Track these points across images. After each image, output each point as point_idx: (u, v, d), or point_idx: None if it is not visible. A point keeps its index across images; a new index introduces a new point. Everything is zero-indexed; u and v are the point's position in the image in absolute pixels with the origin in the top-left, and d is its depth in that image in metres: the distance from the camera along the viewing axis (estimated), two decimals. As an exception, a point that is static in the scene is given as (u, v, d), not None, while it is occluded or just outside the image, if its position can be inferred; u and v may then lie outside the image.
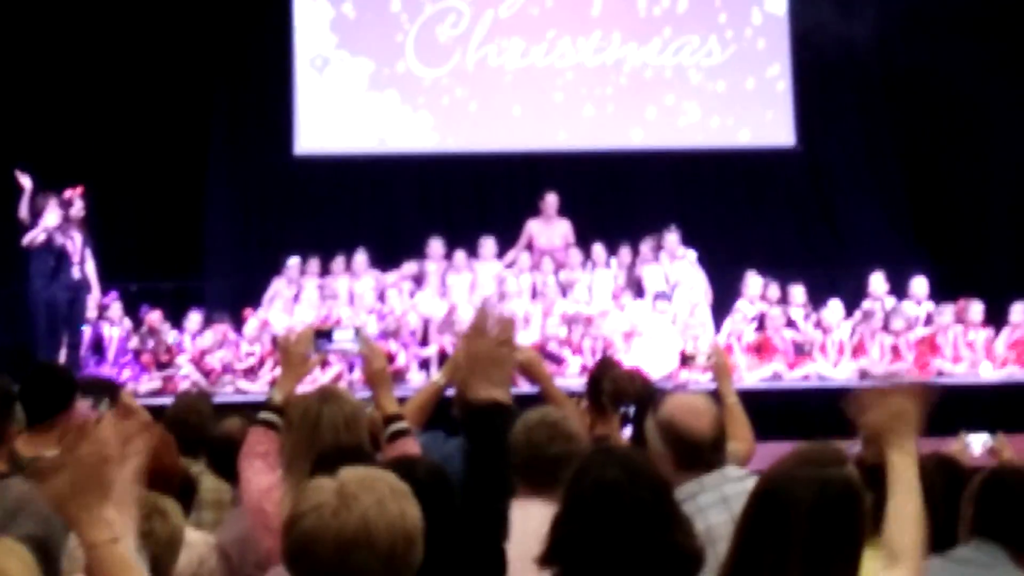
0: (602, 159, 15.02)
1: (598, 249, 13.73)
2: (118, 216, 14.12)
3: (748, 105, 15.12)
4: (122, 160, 14.10)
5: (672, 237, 13.71)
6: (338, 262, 13.46)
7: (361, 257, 13.45)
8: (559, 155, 14.89)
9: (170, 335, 12.63)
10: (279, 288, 13.23)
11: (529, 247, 13.97)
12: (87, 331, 12.40)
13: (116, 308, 12.59)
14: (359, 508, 2.25)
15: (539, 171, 14.76)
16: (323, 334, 4.51)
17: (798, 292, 13.31)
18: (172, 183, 14.31)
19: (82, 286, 12.09)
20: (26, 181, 12.08)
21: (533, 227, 14.03)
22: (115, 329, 12.55)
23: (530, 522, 3.10)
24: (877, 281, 13.34)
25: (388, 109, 14.90)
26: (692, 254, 13.78)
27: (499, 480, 2.99)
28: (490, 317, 3.21)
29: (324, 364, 11.44)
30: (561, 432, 3.92)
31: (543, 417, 3.94)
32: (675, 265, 13.69)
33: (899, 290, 13.47)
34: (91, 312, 12.40)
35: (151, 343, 12.48)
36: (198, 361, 12.39)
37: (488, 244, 13.74)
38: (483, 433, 3.01)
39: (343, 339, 4.54)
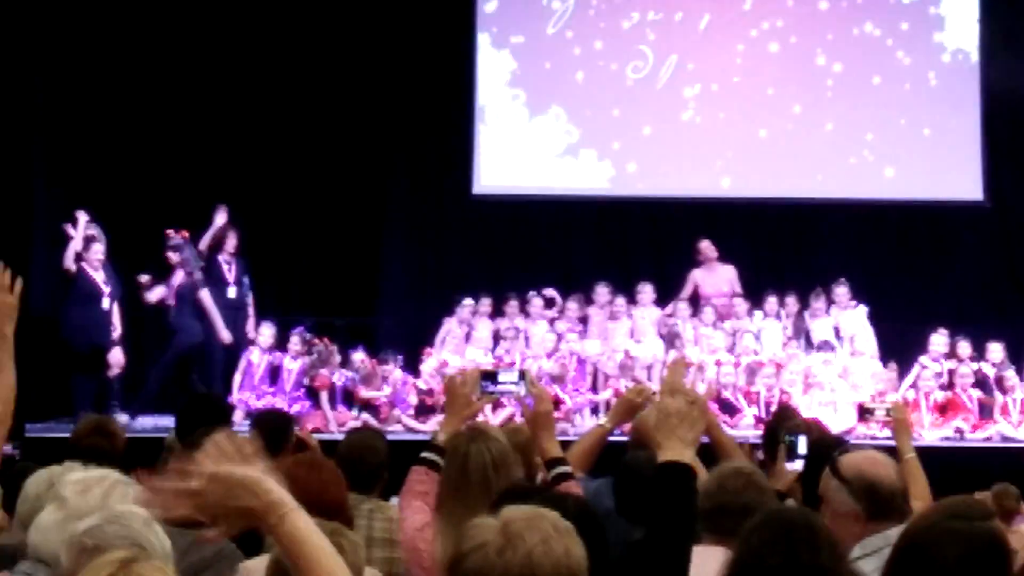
0: (779, 208, 14.83)
1: (771, 301, 13.53)
2: (298, 253, 14.44)
3: (934, 156, 14.74)
4: (304, 198, 14.38)
5: (842, 290, 13.47)
6: (512, 304, 13.51)
7: (537, 301, 13.50)
8: (735, 202, 14.74)
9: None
10: (451, 328, 13.28)
11: (694, 297, 13.82)
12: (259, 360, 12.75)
13: (296, 341, 12.80)
14: (524, 547, 2.22)
15: (716, 218, 14.60)
16: (489, 375, 4.51)
17: (996, 350, 12.90)
18: (352, 221, 14.52)
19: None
20: (220, 218, 12.97)
21: (697, 276, 13.88)
22: (295, 362, 12.77)
23: (708, 568, 3.07)
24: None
25: (567, 150, 14.92)
26: (863, 309, 13.49)
27: (682, 537, 2.95)
28: (682, 375, 3.16)
29: (496, 406, 11.45)
30: (754, 483, 3.96)
31: (739, 468, 4.08)
32: (845, 317, 13.43)
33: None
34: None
35: (365, 380, 12.63)
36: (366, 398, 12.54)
37: (647, 290, 13.62)
38: (670, 492, 2.96)
39: (508, 381, 4.53)
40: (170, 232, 12.65)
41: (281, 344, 12.83)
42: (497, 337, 13.30)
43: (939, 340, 12.92)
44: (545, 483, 4.32)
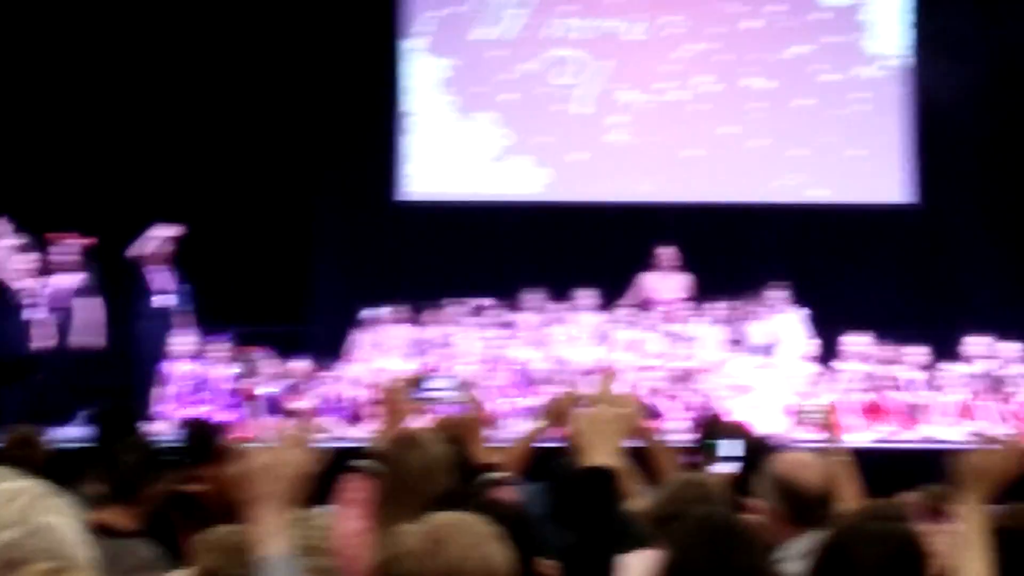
0: (713, 213, 14.92)
1: (709, 306, 13.57)
2: (224, 261, 14.32)
3: (866, 163, 14.91)
4: (230, 206, 14.31)
5: (777, 293, 13.56)
6: (434, 312, 13.47)
7: (459, 308, 13.46)
8: (669, 207, 14.81)
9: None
10: (362, 337, 13.23)
11: (641, 302, 13.84)
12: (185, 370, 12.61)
13: (221, 349, 12.71)
14: (449, 552, 2.21)
15: (649, 223, 14.65)
16: (419, 382, 4.50)
17: (920, 353, 13.00)
18: (279, 229, 14.48)
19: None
20: (168, 231, 12.76)
21: (649, 280, 13.85)
22: (222, 371, 12.66)
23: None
24: (978, 344, 12.97)
25: (499, 156, 14.98)
26: (799, 312, 13.59)
27: (606, 541, 2.97)
28: (611, 384, 3.22)
29: (428, 412, 11.39)
30: (710, 495, 4.00)
31: (697, 478, 4.19)
32: (780, 320, 13.53)
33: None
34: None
35: (292, 389, 12.55)
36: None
37: (585, 295, 13.62)
38: (594, 496, 2.99)
39: (441, 387, 4.53)
40: (54, 235, 12.42)
41: (205, 353, 12.72)
42: (419, 344, 13.27)
43: (861, 341, 13.04)
44: (482, 469, 4.33)
